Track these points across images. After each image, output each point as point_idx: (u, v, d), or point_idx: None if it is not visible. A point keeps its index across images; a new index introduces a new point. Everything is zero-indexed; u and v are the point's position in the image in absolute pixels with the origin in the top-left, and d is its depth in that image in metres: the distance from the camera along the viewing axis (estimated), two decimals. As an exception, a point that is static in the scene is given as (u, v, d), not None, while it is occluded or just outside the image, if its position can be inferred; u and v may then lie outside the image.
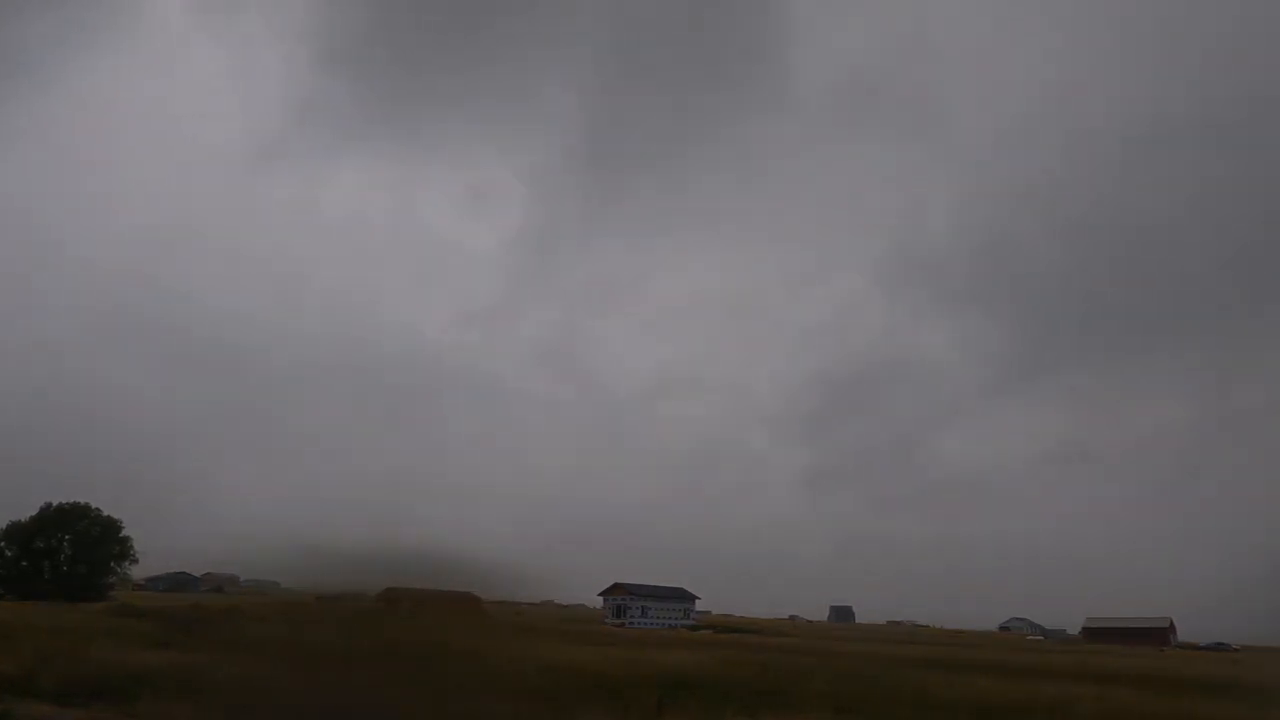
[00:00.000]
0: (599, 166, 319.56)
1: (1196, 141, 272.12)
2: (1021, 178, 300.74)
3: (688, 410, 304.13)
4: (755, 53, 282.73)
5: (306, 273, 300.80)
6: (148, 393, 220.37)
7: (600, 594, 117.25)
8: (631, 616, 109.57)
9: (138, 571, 79.51)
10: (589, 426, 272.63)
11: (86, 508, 69.24)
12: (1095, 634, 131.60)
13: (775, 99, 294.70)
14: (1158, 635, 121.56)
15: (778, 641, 61.99)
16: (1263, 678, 38.69)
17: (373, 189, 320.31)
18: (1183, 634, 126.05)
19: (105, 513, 69.87)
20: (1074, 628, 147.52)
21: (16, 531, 66.84)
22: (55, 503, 68.63)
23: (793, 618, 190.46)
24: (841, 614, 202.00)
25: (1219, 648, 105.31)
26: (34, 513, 67.75)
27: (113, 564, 70.67)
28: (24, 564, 66.53)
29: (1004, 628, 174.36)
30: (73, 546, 67.81)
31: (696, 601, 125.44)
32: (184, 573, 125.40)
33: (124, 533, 70.18)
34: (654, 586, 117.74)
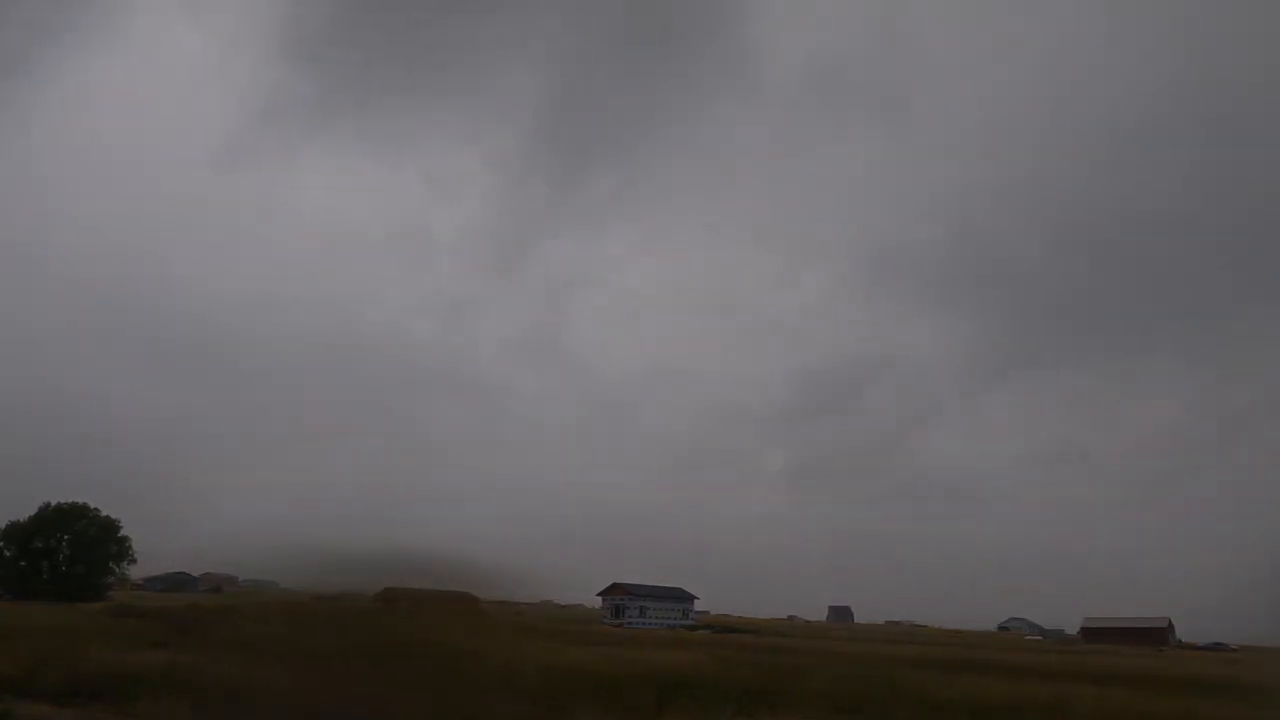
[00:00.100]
0: (561, 157, 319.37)
1: (1183, 136, 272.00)
2: (1004, 172, 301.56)
3: (673, 406, 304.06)
4: (720, 37, 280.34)
5: (286, 267, 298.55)
6: (147, 393, 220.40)
7: (598, 594, 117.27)
8: (630, 616, 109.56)
9: (136, 571, 79.64)
10: (571, 422, 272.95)
11: (85, 508, 69.29)
12: (1093, 634, 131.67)
13: (742, 86, 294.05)
14: (1156, 635, 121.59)
15: (776, 641, 61.98)
16: (1262, 678, 38.71)
17: (342, 181, 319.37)
18: (1181, 634, 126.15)
19: (104, 513, 69.97)
20: (1072, 628, 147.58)
21: (15, 531, 66.91)
22: (54, 503, 68.71)
23: (791, 618, 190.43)
24: (840, 614, 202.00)
25: (1217, 648, 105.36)
26: (33, 513, 67.83)
27: (111, 564, 70.77)
28: (22, 564, 66.61)
29: (1002, 628, 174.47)
30: (71, 546, 67.87)
31: (695, 601, 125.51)
32: (182, 573, 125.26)
33: (122, 533, 70.31)
34: (652, 587, 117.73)
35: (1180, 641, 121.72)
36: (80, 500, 69.84)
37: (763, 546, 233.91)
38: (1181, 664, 55.51)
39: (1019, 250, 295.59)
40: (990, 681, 27.18)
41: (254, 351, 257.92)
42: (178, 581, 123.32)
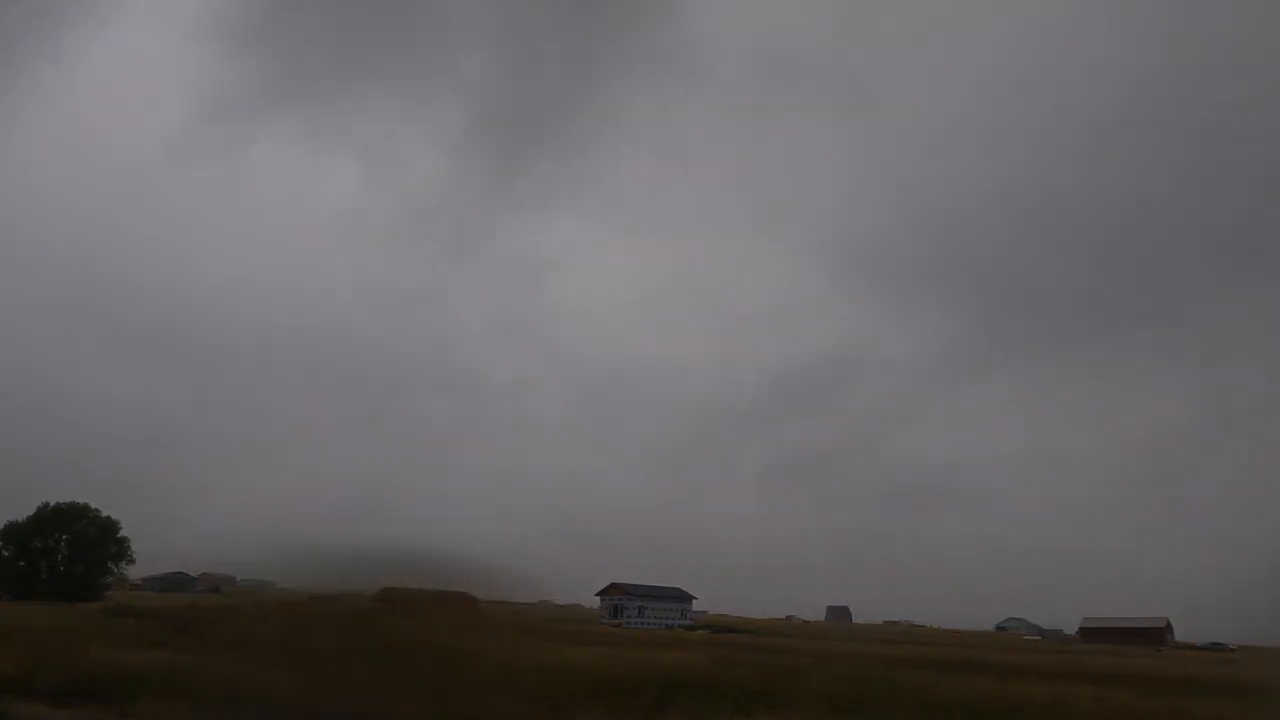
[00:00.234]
0: (507, 145, 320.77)
1: (1169, 125, 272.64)
2: (973, 164, 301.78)
3: (658, 401, 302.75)
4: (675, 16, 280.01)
5: (272, 260, 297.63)
6: (144, 393, 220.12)
7: (597, 594, 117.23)
8: (628, 616, 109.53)
9: (134, 571, 79.63)
10: (561, 416, 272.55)
11: (84, 508, 69.29)
12: (1092, 634, 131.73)
13: (692, 72, 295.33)
14: (1154, 635, 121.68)
15: (774, 641, 62.00)
16: (1262, 678, 38.71)
17: (299, 170, 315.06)
18: (1180, 634, 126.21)
19: (103, 513, 69.93)
20: (1071, 628, 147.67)
21: (14, 531, 66.88)
22: (52, 503, 68.68)
23: (789, 618, 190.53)
24: (838, 614, 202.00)
25: (1216, 648, 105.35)
26: (31, 513, 67.79)
27: (110, 564, 70.77)
28: (21, 564, 66.60)
29: (1001, 628, 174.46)
30: (70, 547, 67.87)
31: (693, 601, 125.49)
32: (181, 573, 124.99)
33: (121, 533, 70.27)
34: (650, 586, 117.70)
35: (1178, 642, 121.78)
36: (79, 500, 69.90)
37: (760, 546, 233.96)
38: (1180, 664, 55.51)
39: (1012, 247, 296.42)
40: (988, 682, 27.18)
41: (251, 350, 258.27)
42: (176, 581, 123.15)
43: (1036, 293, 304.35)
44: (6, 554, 66.82)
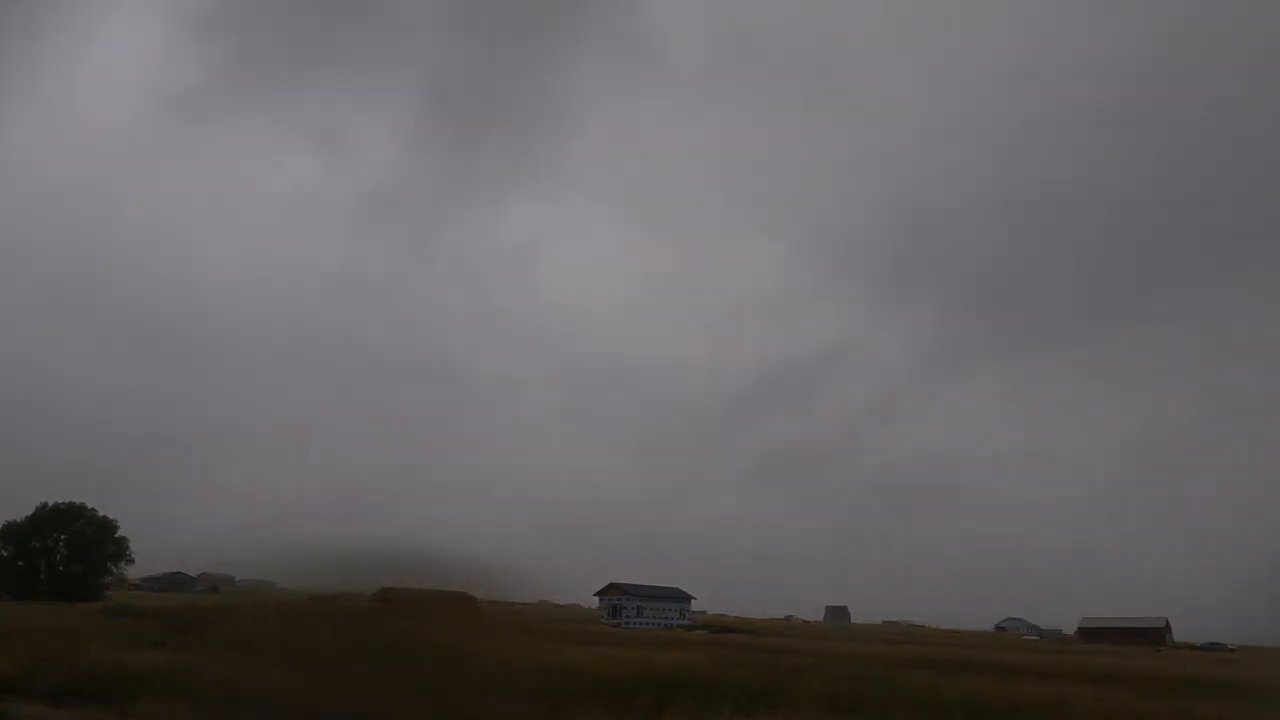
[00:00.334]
0: (461, 134, 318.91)
1: (1156, 117, 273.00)
2: (956, 159, 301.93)
3: (643, 398, 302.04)
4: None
5: (258, 254, 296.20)
6: (142, 393, 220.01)
7: (595, 594, 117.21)
8: (627, 616, 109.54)
9: (133, 571, 79.56)
10: (555, 413, 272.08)
11: (83, 508, 69.26)
12: (1091, 634, 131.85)
13: (652, 59, 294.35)
14: (1153, 635, 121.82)
15: (773, 641, 62.03)
16: (1261, 678, 38.76)
17: (249, 159, 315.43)
18: (1178, 634, 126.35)
19: (101, 513, 69.91)
20: (1070, 628, 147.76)
21: (13, 531, 66.81)
22: (51, 503, 68.64)
23: (788, 618, 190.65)
24: (837, 614, 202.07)
25: (1214, 648, 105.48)
26: (30, 513, 67.76)
27: (109, 564, 70.75)
28: (20, 564, 66.55)
29: (1000, 628, 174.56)
30: (69, 547, 67.84)
31: (692, 601, 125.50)
32: (180, 573, 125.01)
33: (120, 533, 70.25)
34: (649, 586, 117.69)
35: (1177, 642, 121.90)
36: (77, 500, 69.88)
37: (759, 546, 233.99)
38: (1180, 664, 55.58)
39: (1013, 245, 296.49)
40: (988, 682, 27.20)
41: (249, 348, 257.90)
42: (175, 581, 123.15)
43: (1036, 289, 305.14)
44: (5, 554, 66.79)
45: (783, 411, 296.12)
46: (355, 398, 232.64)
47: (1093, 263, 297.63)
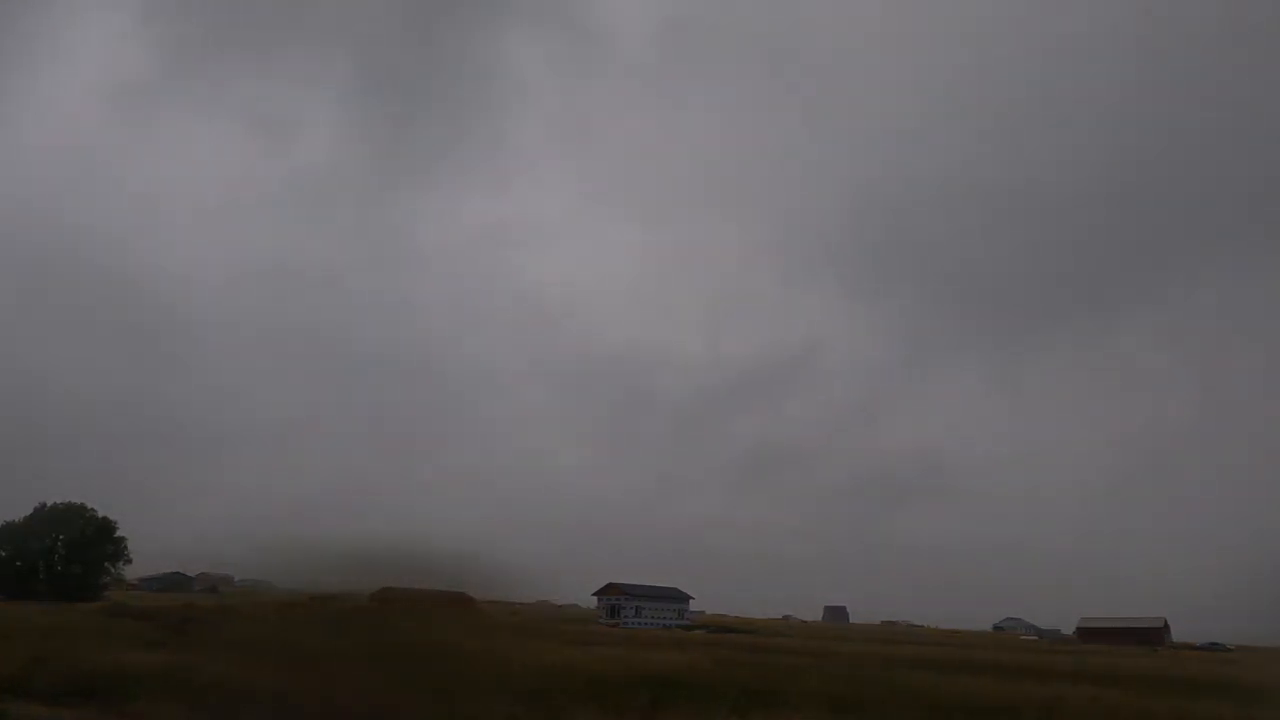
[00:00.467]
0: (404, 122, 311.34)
1: (1142, 104, 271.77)
2: (924, 154, 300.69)
3: (637, 396, 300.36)
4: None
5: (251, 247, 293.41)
6: (142, 393, 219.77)
7: (594, 594, 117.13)
8: (625, 617, 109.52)
9: (132, 572, 79.43)
10: (552, 410, 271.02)
11: (81, 508, 69.19)
12: (1089, 634, 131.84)
13: (606, 43, 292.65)
14: (1152, 635, 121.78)
15: (771, 641, 62.03)
16: (1261, 678, 38.77)
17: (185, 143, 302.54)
18: (1177, 634, 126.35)
19: (100, 513, 69.86)
20: (1068, 627, 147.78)
21: (11, 532, 66.71)
22: (49, 503, 68.58)
23: (787, 618, 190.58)
24: (836, 614, 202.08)
25: (1213, 648, 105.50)
26: (28, 513, 67.71)
27: (107, 564, 70.69)
28: (18, 564, 66.44)
29: (998, 628, 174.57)
30: (67, 547, 67.74)
31: (690, 601, 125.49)
32: (178, 573, 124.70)
33: (118, 533, 70.21)
34: (648, 586, 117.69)
35: (1176, 642, 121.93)
36: (75, 500, 69.84)
37: (758, 546, 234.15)
38: (1179, 664, 55.60)
39: (1012, 244, 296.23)
40: (986, 682, 27.23)
41: (247, 346, 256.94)
42: (173, 581, 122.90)
43: (1035, 287, 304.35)
44: (4, 554, 66.66)
45: (781, 410, 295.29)
46: (350, 396, 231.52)
47: (1094, 260, 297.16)
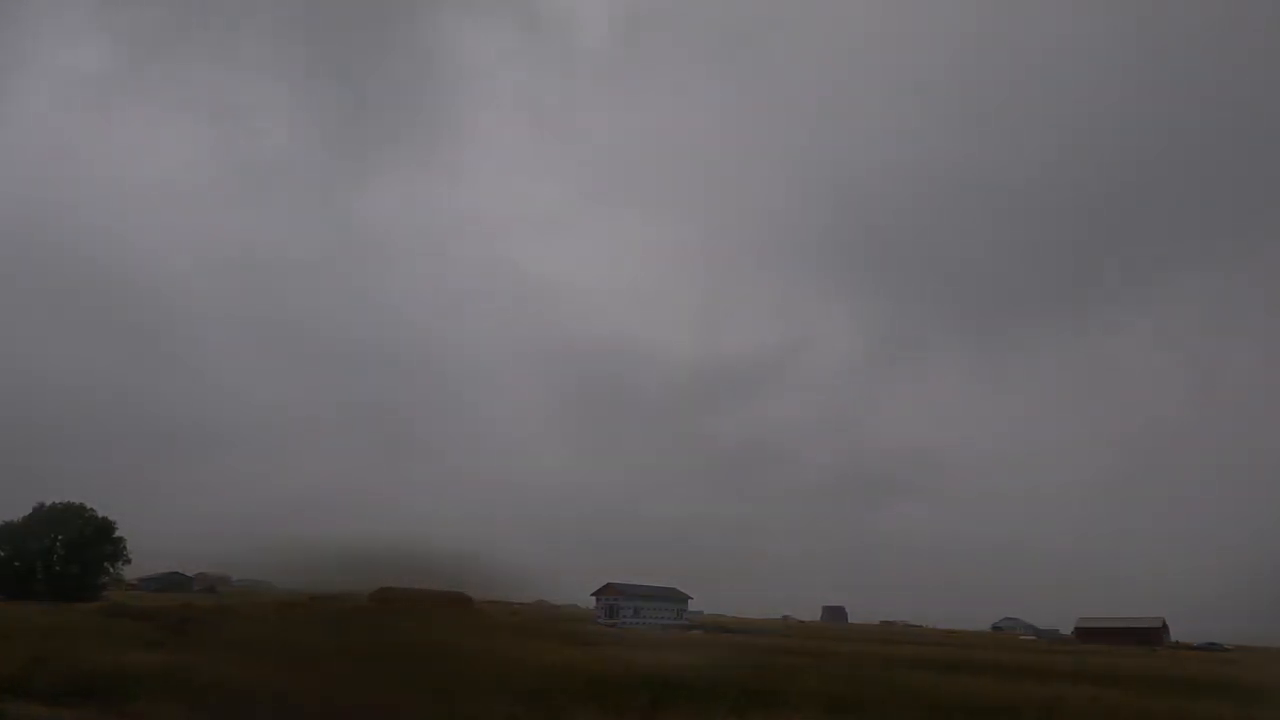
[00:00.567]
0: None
1: (1135, 102, 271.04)
2: (915, 152, 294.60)
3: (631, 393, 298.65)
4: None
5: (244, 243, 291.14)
6: (141, 393, 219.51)
7: (592, 594, 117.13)
8: (624, 617, 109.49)
9: (131, 572, 79.32)
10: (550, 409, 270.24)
11: (80, 508, 69.12)
12: (1088, 634, 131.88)
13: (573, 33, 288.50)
14: (1151, 635, 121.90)
15: (770, 641, 62.05)
16: (1261, 678, 38.86)
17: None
18: (1176, 634, 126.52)
19: (99, 513, 69.83)
20: (1067, 627, 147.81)
21: (9, 532, 66.65)
22: (48, 503, 68.52)
23: (785, 618, 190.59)
24: (834, 614, 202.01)
25: (1212, 648, 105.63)
26: (26, 512, 67.67)
27: (106, 564, 70.64)
28: (17, 564, 66.35)
29: (996, 628, 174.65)
30: (65, 547, 67.67)
31: (689, 602, 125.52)
32: (177, 573, 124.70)
33: (117, 533, 70.17)
34: (646, 587, 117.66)
35: (1174, 641, 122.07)
36: (74, 500, 69.79)
37: (756, 546, 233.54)
38: (1178, 664, 55.65)
39: (1011, 243, 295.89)
40: (986, 681, 27.27)
41: (246, 346, 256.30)
42: (172, 582, 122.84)
43: (1034, 287, 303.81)
44: (2, 554, 66.59)
45: (776, 408, 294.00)
46: (348, 395, 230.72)
47: (1094, 257, 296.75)
